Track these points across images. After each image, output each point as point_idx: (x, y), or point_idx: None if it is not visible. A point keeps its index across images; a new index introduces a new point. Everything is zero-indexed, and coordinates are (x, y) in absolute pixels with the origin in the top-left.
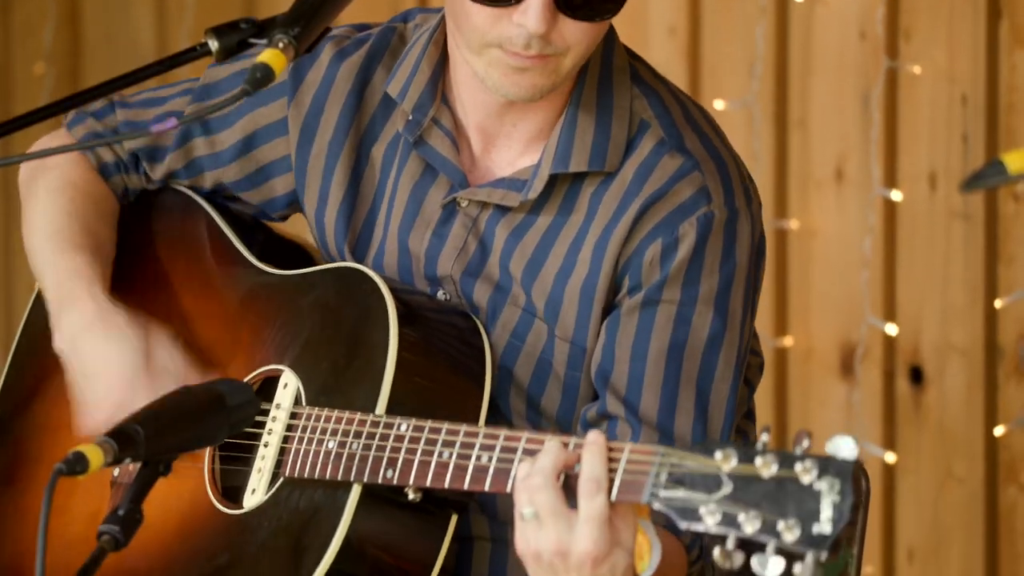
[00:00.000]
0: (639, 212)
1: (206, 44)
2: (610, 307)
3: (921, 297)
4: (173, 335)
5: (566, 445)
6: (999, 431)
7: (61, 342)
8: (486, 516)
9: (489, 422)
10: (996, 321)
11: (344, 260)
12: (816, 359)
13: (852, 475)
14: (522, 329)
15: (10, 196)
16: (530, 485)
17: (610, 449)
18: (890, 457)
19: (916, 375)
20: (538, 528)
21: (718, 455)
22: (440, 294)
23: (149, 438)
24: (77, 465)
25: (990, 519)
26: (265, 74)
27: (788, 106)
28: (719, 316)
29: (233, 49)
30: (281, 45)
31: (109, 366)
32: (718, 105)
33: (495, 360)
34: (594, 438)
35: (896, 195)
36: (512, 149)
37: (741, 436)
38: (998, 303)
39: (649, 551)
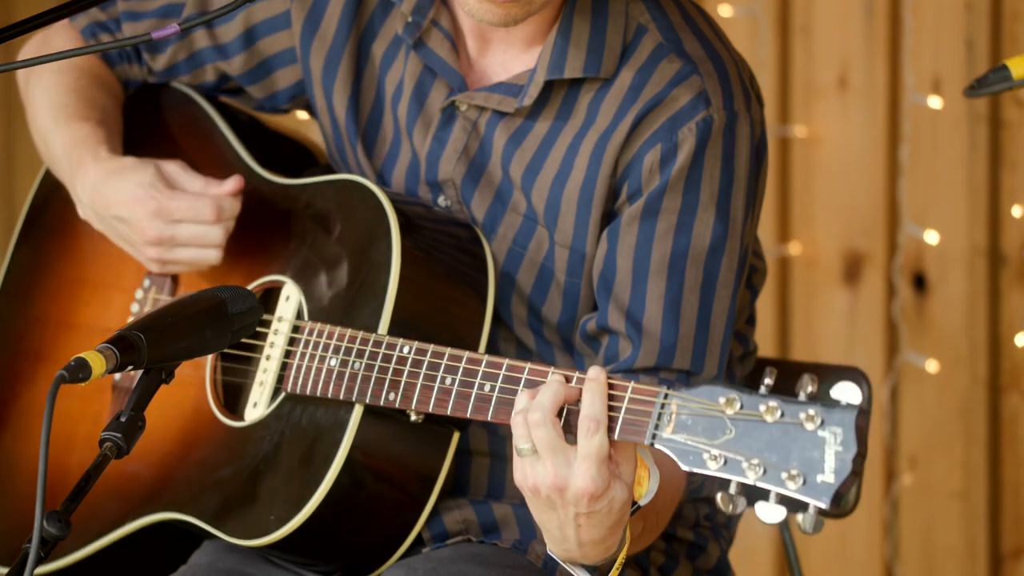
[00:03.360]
0: (637, 118)
1: None
2: (609, 213)
3: (925, 204)
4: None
5: (568, 380)
6: (1002, 338)
7: (83, 211)
8: (486, 430)
9: (494, 332)
10: (1000, 228)
11: (356, 156)
12: (819, 266)
13: (856, 425)
14: (524, 236)
15: (11, 98)
16: (528, 420)
17: (613, 387)
18: (893, 364)
19: (919, 282)
20: (535, 463)
21: (722, 399)
22: (441, 200)
23: (151, 345)
24: (79, 372)
25: (992, 426)
26: None
27: (792, 13)
28: (720, 222)
29: None
30: None
31: (132, 193)
32: (724, 12)
33: (496, 268)
34: (595, 375)
35: (900, 102)
36: (508, 52)
37: (741, 342)
38: (1001, 209)
39: (647, 478)
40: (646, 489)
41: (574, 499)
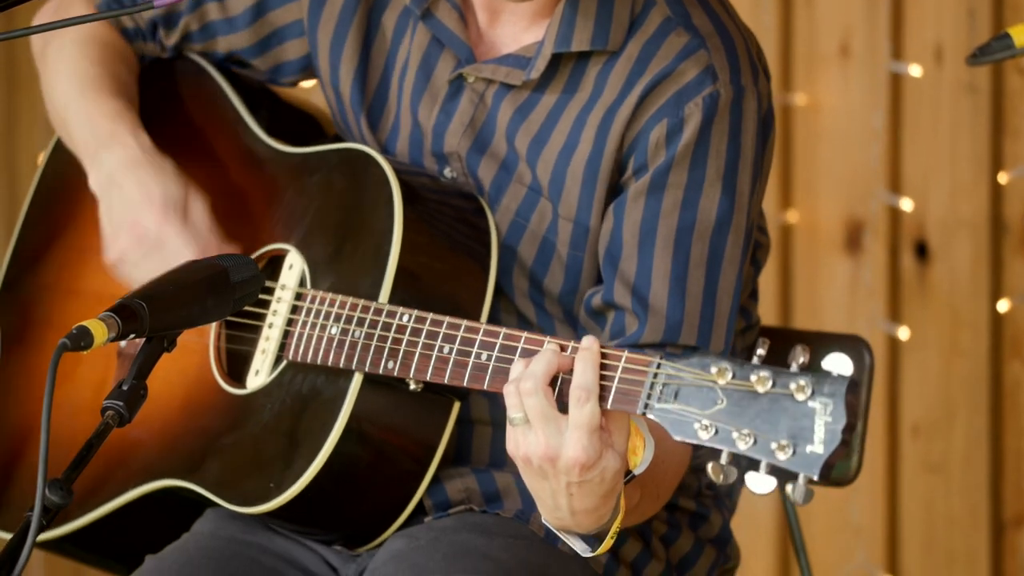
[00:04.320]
0: (644, 92)
1: None
2: (615, 187)
3: (927, 172)
4: (207, 199)
5: (563, 349)
6: (1004, 306)
7: (99, 177)
8: (487, 399)
9: (492, 302)
10: (1001, 196)
11: (360, 129)
12: (821, 235)
13: (845, 397)
14: (527, 208)
15: (14, 67)
16: (521, 389)
17: (606, 356)
18: (895, 333)
19: (921, 250)
20: (527, 432)
21: (713, 369)
22: (447, 171)
23: (153, 314)
24: (81, 340)
25: (994, 394)
26: None
27: None
28: (726, 197)
29: None
30: None
31: (152, 197)
32: None
33: (500, 239)
34: (588, 344)
35: (902, 70)
36: (517, 24)
37: (744, 316)
38: (1003, 177)
39: (643, 448)
40: (641, 458)
41: (566, 468)
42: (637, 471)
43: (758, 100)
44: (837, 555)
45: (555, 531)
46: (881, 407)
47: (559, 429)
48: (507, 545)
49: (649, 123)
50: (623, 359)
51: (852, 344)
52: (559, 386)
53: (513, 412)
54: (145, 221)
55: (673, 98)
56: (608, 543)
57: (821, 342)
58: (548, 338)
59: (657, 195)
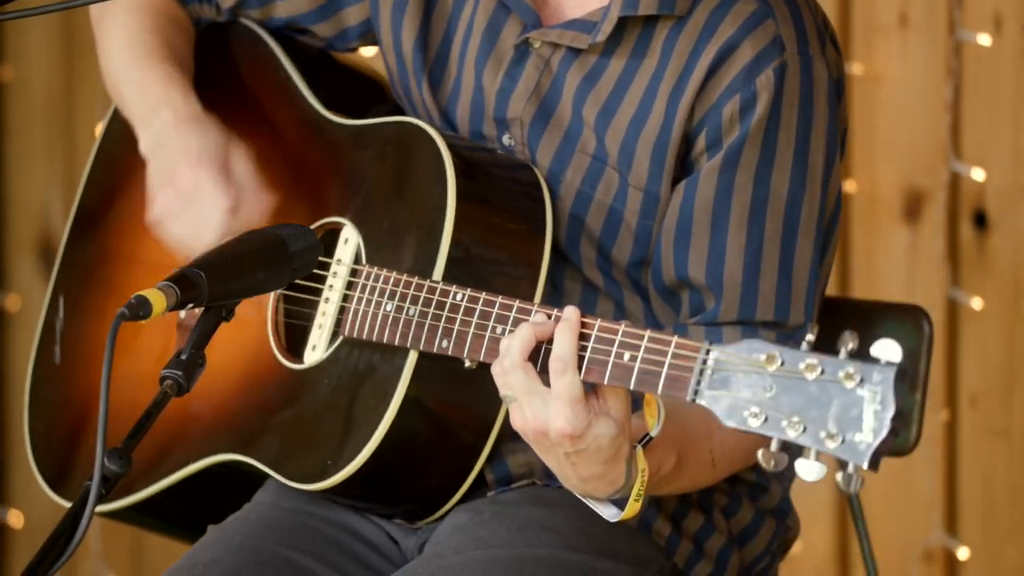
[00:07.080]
0: (713, 63)
1: None
2: (682, 156)
3: (986, 142)
4: (251, 154)
5: (548, 316)
6: None
7: (148, 142)
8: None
9: (559, 272)
10: None
11: (421, 93)
12: (880, 204)
13: (894, 384)
14: (592, 178)
15: (74, 37)
16: (503, 367)
17: (657, 341)
18: (953, 302)
19: (980, 219)
20: (517, 409)
21: (763, 356)
22: (506, 138)
23: (211, 283)
24: (140, 310)
25: None
26: None
27: None
28: (799, 170)
29: None
30: None
31: (189, 149)
32: None
33: (564, 210)
34: (567, 315)
35: (962, 39)
36: None
37: None
38: None
39: (657, 408)
40: (657, 420)
41: (557, 440)
42: (654, 433)
43: (827, 68)
44: (896, 524)
45: (581, 498)
46: (940, 377)
47: (544, 402)
48: (570, 517)
49: (722, 98)
50: (673, 343)
51: (911, 314)
52: (541, 356)
53: (503, 391)
54: (182, 173)
55: (744, 71)
56: (634, 506)
57: (879, 312)
58: (599, 320)
59: (730, 171)
